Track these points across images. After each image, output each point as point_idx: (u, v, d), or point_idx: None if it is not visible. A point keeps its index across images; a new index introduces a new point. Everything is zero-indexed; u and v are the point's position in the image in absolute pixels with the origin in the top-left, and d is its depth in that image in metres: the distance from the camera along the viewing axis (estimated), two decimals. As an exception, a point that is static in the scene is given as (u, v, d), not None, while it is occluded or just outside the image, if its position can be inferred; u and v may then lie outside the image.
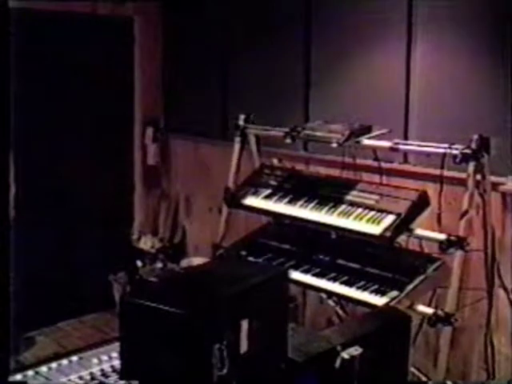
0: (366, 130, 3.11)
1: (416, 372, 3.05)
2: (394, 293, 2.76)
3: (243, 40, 4.44)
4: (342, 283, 2.92)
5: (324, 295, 3.35)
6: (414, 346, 2.85)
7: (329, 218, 2.99)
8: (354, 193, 3.05)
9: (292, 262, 3.13)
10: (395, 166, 3.52)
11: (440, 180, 2.85)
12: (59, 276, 4.57)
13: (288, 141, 3.25)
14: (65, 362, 2.00)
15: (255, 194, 3.32)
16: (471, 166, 2.73)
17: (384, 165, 3.28)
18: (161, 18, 5.04)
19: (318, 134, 3.15)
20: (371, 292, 2.82)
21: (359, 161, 3.31)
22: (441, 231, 2.78)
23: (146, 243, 5.02)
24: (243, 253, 3.30)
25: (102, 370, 1.96)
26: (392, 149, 3.03)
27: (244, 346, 1.67)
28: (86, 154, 4.80)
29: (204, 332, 1.56)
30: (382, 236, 2.79)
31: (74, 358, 2.02)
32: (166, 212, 5.23)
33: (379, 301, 2.74)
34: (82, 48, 4.65)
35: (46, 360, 2.01)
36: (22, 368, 1.96)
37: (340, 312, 3.44)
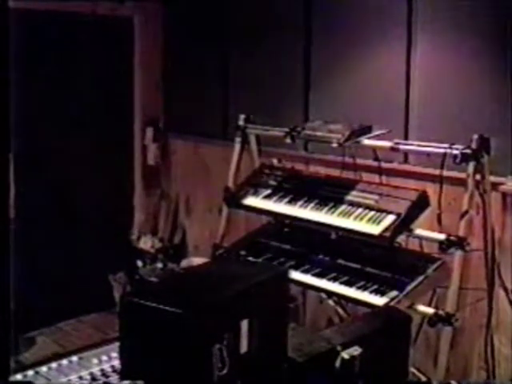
0: (366, 129, 3.11)
1: (416, 372, 3.05)
2: (394, 293, 2.76)
3: (243, 40, 4.44)
4: (341, 283, 2.92)
5: (324, 295, 3.35)
6: (414, 346, 2.85)
7: (329, 218, 2.99)
8: (354, 193, 3.05)
9: (292, 262, 3.13)
10: (395, 165, 3.52)
11: (440, 180, 2.85)
12: (59, 276, 4.57)
13: (288, 141, 3.25)
14: (65, 362, 1.99)
15: (255, 193, 3.32)
16: (471, 166, 2.73)
17: (384, 165, 3.28)
18: (161, 18, 5.04)
19: (318, 133, 3.15)
20: (371, 292, 2.82)
21: (359, 161, 3.31)
22: (441, 231, 2.78)
23: (146, 243, 5.02)
24: (243, 253, 3.30)
25: (102, 370, 1.95)
26: (392, 149, 3.03)
27: (244, 346, 1.67)
28: (86, 154, 4.80)
29: (204, 332, 1.56)
30: (381, 236, 2.78)
31: (74, 358, 2.02)
32: (166, 212, 5.22)
33: (379, 301, 2.74)
34: (82, 48, 4.65)
35: (46, 360, 2.00)
36: (22, 368, 1.96)
37: (340, 312, 3.44)
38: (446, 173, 2.82)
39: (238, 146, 3.59)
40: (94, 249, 4.79)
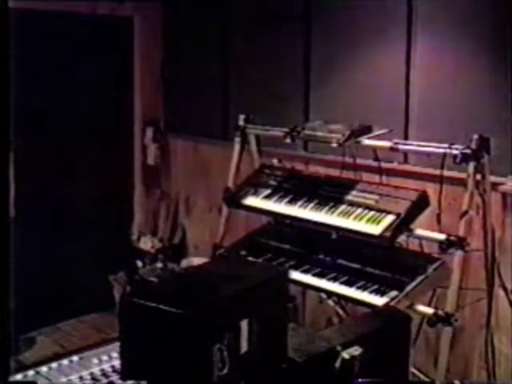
0: (366, 129, 3.11)
1: (416, 372, 3.05)
2: (394, 293, 2.76)
3: (243, 40, 4.44)
4: (341, 283, 2.92)
5: (324, 295, 3.35)
6: (414, 346, 2.85)
7: (329, 218, 2.99)
8: (354, 193, 3.05)
9: (292, 262, 3.13)
10: (395, 165, 3.52)
11: (440, 180, 2.85)
12: (59, 276, 4.57)
13: (288, 141, 3.25)
14: (65, 362, 1.99)
15: (255, 193, 3.32)
16: (471, 166, 2.73)
17: (384, 165, 3.28)
18: (161, 17, 5.04)
19: (318, 133, 3.15)
20: (371, 292, 2.82)
21: (359, 161, 3.31)
22: (441, 231, 2.78)
23: (146, 243, 5.02)
24: (243, 253, 3.30)
25: (102, 370, 1.95)
26: (392, 149, 3.03)
27: (244, 346, 1.67)
28: (86, 154, 4.80)
29: (204, 332, 1.56)
30: (382, 236, 2.79)
31: (74, 358, 2.01)
32: (166, 212, 5.23)
33: (379, 301, 2.74)
34: (81, 48, 4.65)
35: (46, 360, 2.00)
36: (22, 368, 1.96)
37: (340, 312, 3.44)
38: (446, 173, 2.82)
39: (237, 146, 3.59)
40: (94, 249, 4.79)
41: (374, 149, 3.17)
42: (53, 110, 4.56)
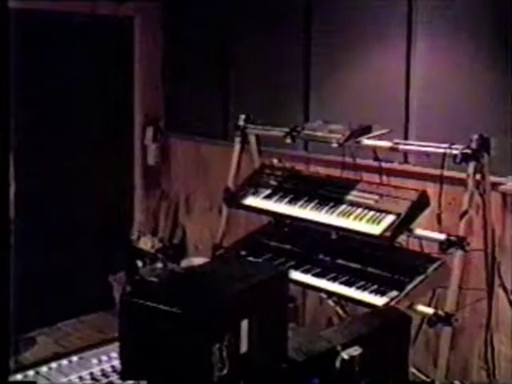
0: (366, 129, 3.11)
1: (416, 372, 3.05)
2: (394, 293, 2.76)
3: (243, 40, 4.44)
4: (341, 283, 2.92)
5: (324, 295, 3.36)
6: (414, 346, 2.85)
7: (329, 218, 2.99)
8: (354, 193, 3.05)
9: (292, 262, 3.13)
10: (395, 165, 3.52)
11: (440, 180, 2.85)
12: (59, 276, 4.57)
13: (288, 141, 3.25)
14: (65, 362, 1.99)
15: (255, 193, 3.32)
16: (471, 166, 2.73)
17: (384, 165, 3.28)
18: (161, 18, 5.04)
19: (318, 134, 3.15)
20: (371, 292, 2.82)
21: (359, 161, 3.31)
22: (441, 231, 2.78)
23: (146, 243, 5.02)
24: (243, 253, 3.30)
25: (102, 370, 1.95)
26: (392, 149, 3.03)
27: (244, 346, 1.67)
28: (86, 154, 4.80)
29: (204, 332, 1.56)
30: (382, 236, 2.78)
31: (74, 358, 2.02)
32: (166, 212, 5.22)
33: (379, 301, 2.74)
34: (81, 48, 4.65)
35: (46, 360, 2.00)
36: (22, 368, 1.96)
37: (340, 312, 3.44)
38: (446, 173, 2.82)
39: (237, 146, 3.59)
40: (94, 249, 4.79)
41: (374, 149, 3.17)
42: (52, 110, 4.56)
